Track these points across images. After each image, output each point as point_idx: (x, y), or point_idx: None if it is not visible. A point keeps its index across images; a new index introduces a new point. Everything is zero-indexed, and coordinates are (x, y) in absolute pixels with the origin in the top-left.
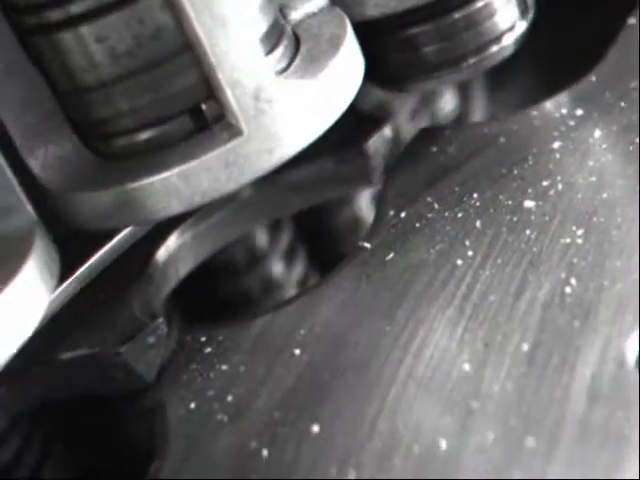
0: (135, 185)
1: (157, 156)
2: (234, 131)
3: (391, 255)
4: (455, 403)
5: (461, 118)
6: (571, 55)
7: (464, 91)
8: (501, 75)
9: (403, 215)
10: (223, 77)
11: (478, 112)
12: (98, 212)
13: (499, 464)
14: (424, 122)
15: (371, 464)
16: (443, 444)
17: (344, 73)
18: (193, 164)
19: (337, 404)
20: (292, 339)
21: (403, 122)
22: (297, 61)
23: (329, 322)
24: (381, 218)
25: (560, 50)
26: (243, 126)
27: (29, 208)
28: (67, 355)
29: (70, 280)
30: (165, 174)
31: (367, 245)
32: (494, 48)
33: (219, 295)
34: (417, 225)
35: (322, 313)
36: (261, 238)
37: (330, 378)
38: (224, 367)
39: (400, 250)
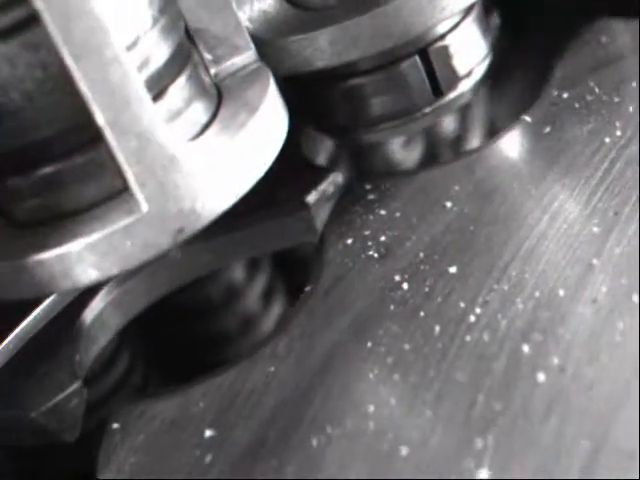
0: (35, 258)
1: (58, 226)
2: (133, 206)
3: (548, 129)
4: (578, 259)
5: (460, 140)
6: None
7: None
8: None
9: (565, 95)
10: (120, 150)
11: (476, 131)
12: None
13: (606, 314)
14: (419, 147)
15: (495, 304)
16: (561, 292)
17: (259, 140)
18: (93, 238)
19: (476, 251)
20: (446, 193)
21: (397, 149)
22: (215, 124)
23: (482, 182)
24: (545, 97)
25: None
26: (142, 202)
27: None
28: None
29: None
30: (64, 248)
31: (528, 119)
32: (448, 97)
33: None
34: (576, 105)
35: (477, 174)
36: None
37: (474, 228)
38: (382, 212)
39: (557, 125)
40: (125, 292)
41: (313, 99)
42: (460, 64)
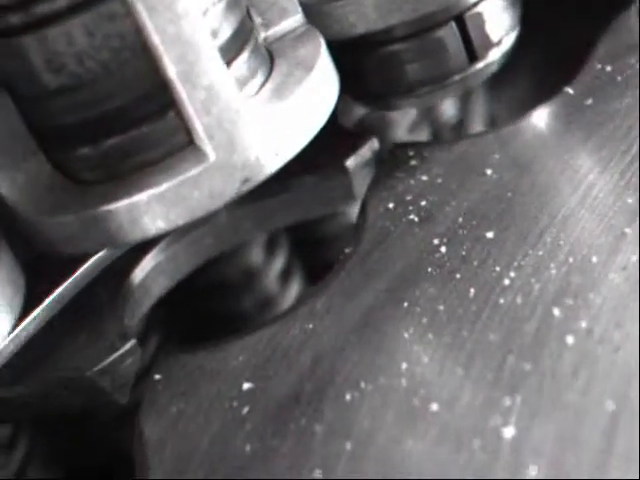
0: (104, 209)
1: (126, 180)
2: (202, 156)
3: (589, 101)
4: (611, 228)
5: (461, 127)
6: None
7: (464, 100)
8: (500, 82)
9: (608, 69)
10: (190, 102)
11: (478, 120)
12: (67, 236)
13: (635, 282)
14: (423, 133)
15: (529, 269)
16: (594, 259)
17: (315, 97)
18: (161, 189)
19: (513, 217)
20: (487, 161)
21: (402, 134)
22: (269, 83)
23: (522, 151)
24: (588, 70)
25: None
26: (210, 152)
27: None
28: (39, 378)
29: (43, 306)
30: (133, 198)
31: (570, 90)
32: (479, 65)
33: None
34: (618, 79)
35: (518, 143)
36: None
37: (512, 195)
38: (424, 178)
39: (598, 98)
40: (172, 255)
41: (349, 67)
42: (493, 31)
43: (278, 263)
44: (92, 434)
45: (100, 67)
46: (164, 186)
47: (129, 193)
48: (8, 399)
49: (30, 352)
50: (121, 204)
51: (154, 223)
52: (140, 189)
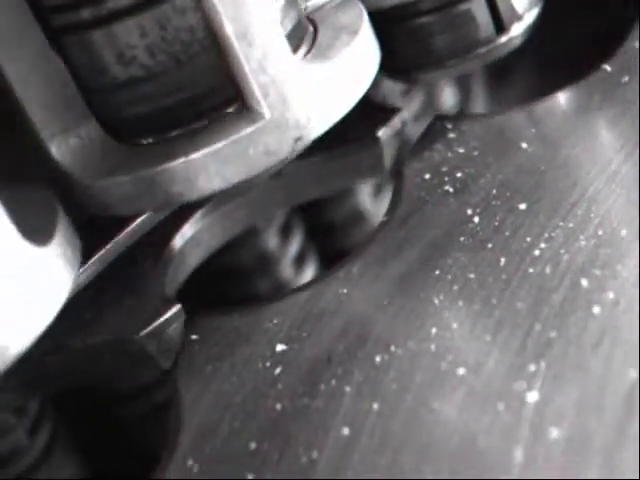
0: (160, 168)
1: (178, 141)
2: (256, 115)
3: (626, 78)
4: None
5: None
6: (571, 51)
7: (464, 86)
8: (501, 70)
9: None
10: (245, 61)
11: (479, 107)
12: (122, 197)
13: None
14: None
15: (560, 240)
16: (623, 232)
17: (361, 60)
18: (217, 146)
19: (546, 190)
20: (523, 135)
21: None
22: (316, 47)
23: (557, 126)
24: (627, 48)
25: (558, 46)
26: (265, 110)
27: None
28: (83, 342)
29: (87, 265)
30: (189, 157)
31: (607, 67)
32: (503, 38)
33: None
34: None
35: (553, 118)
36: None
37: (545, 169)
38: (461, 150)
39: (635, 76)
40: (208, 226)
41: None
42: (518, 4)
43: (293, 248)
44: (115, 428)
45: (170, 60)
46: (220, 144)
47: (185, 152)
48: (52, 364)
49: (73, 316)
50: (177, 162)
51: (210, 181)
52: (196, 148)
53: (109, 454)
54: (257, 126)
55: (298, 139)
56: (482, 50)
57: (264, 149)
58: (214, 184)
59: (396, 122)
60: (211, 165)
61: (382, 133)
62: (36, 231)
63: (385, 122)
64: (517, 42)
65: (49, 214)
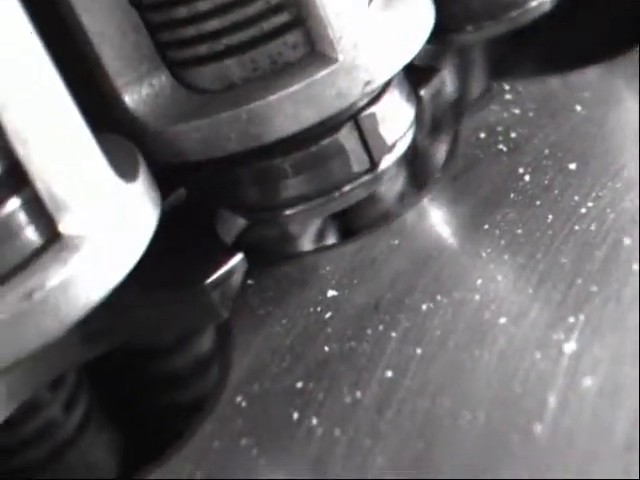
0: (237, 111)
1: (255, 86)
2: (329, 59)
3: None
4: None
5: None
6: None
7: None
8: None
9: None
10: (321, 6)
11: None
12: (197, 142)
13: None
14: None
15: (607, 200)
16: None
17: (422, 10)
18: (293, 89)
19: (596, 152)
20: (577, 98)
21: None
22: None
23: (610, 90)
24: None
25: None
26: (338, 53)
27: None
28: (153, 294)
29: None
30: (266, 99)
31: None
32: (533, 3)
33: None
34: None
35: (607, 82)
36: None
37: (597, 131)
38: (516, 111)
39: None
40: None
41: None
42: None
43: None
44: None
45: None
46: (295, 87)
47: (261, 95)
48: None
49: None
50: (253, 105)
51: (286, 122)
52: (271, 91)
53: (142, 429)
54: (331, 69)
55: (368, 83)
56: (514, 13)
57: (337, 91)
58: (290, 126)
59: (436, 82)
60: (286, 107)
61: (424, 92)
62: (123, 172)
63: (426, 82)
64: (547, 7)
65: (131, 158)
